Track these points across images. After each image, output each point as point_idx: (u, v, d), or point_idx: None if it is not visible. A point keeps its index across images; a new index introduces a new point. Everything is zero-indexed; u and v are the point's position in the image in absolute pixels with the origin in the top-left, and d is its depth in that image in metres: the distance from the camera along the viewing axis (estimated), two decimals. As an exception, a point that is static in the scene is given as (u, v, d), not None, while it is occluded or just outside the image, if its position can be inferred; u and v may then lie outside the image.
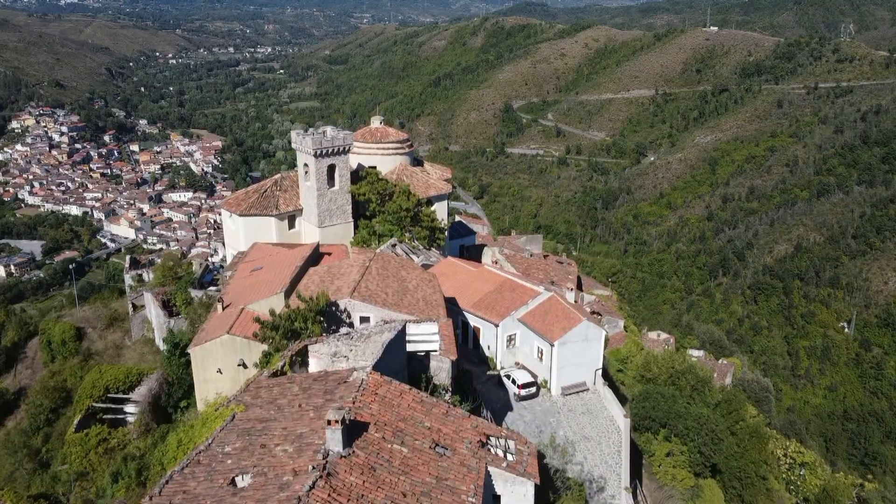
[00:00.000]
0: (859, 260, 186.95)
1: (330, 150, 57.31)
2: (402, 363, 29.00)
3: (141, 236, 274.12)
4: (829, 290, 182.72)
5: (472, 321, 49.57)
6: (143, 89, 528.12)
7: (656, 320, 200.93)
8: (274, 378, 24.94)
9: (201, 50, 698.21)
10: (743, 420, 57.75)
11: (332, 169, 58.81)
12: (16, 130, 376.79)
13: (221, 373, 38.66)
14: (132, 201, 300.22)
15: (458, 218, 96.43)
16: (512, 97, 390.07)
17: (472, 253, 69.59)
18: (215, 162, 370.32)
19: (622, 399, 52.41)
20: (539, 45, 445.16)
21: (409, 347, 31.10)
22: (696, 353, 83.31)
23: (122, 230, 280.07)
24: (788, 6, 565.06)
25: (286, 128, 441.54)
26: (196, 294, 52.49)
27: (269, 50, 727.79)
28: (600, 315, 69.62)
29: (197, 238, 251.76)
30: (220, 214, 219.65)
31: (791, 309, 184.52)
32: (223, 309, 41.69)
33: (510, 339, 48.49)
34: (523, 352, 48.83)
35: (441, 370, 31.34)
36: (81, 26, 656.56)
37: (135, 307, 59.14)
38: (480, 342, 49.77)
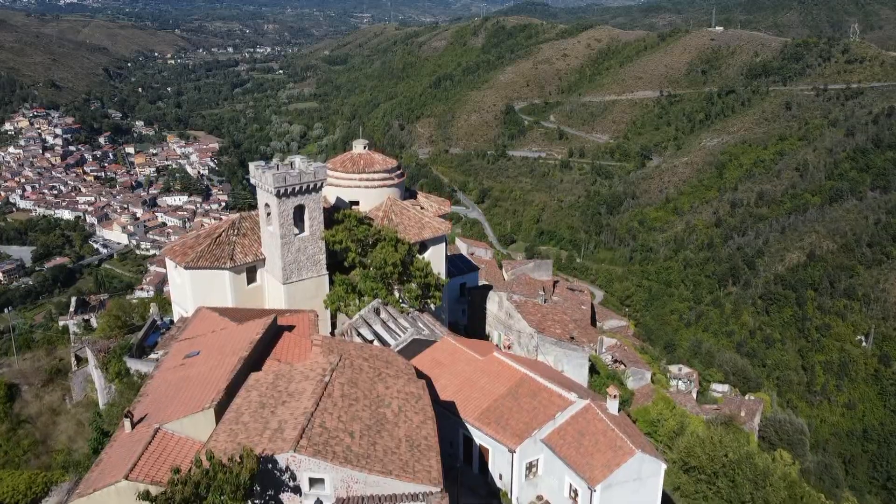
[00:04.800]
0: (875, 269, 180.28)
1: (298, 188, 46.42)
2: None
3: (134, 241, 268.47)
4: (844, 301, 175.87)
5: (478, 438, 37.86)
6: (140, 90, 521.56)
7: (664, 331, 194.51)
8: None
9: (200, 50, 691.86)
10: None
11: (300, 210, 47.89)
12: (9, 132, 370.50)
13: None
14: (126, 205, 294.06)
15: (458, 242, 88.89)
16: (513, 98, 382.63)
17: (475, 296, 61.24)
18: (212, 164, 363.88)
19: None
20: (541, 46, 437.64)
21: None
22: (721, 388, 77.33)
23: (115, 235, 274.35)
24: (792, 5, 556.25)
25: (284, 129, 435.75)
26: (133, 365, 43.10)
27: (269, 50, 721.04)
28: (624, 365, 62.25)
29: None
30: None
31: (805, 321, 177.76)
32: (132, 427, 30.51)
33: (530, 468, 37.09)
34: (548, 484, 37.19)
35: None
36: (79, 26, 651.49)
37: (79, 360, 51.25)
38: (489, 467, 38.13)
